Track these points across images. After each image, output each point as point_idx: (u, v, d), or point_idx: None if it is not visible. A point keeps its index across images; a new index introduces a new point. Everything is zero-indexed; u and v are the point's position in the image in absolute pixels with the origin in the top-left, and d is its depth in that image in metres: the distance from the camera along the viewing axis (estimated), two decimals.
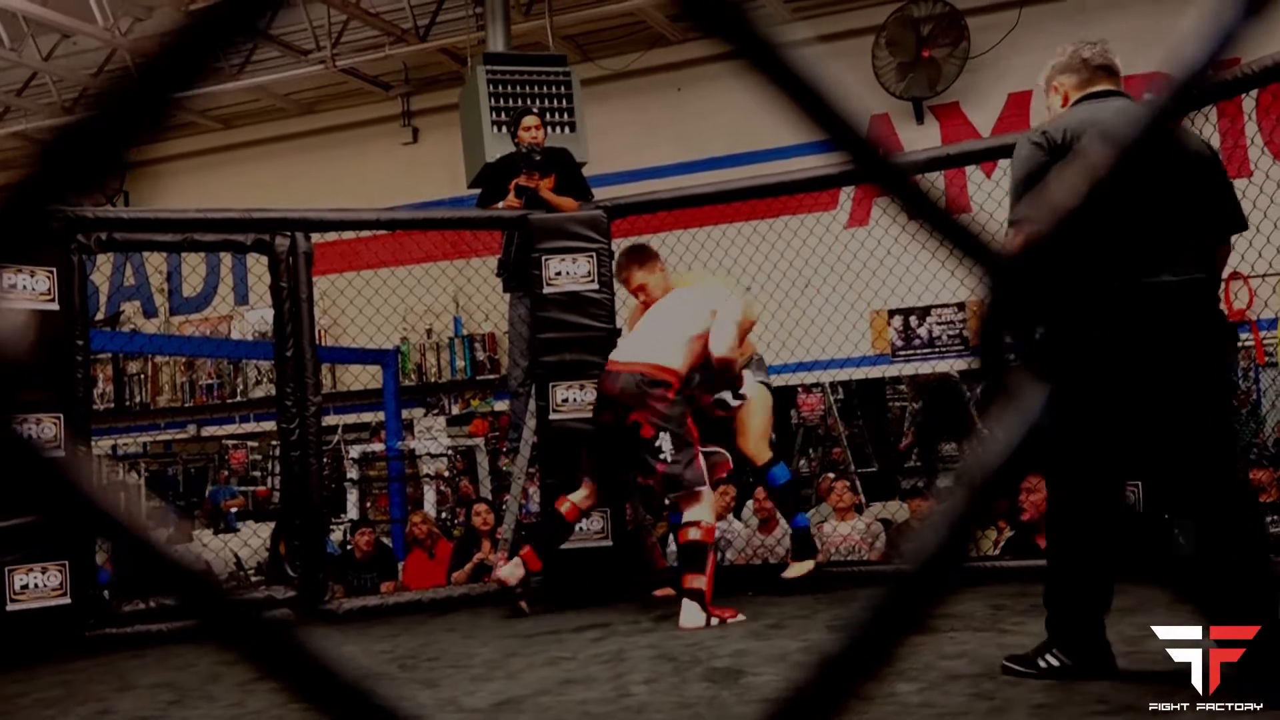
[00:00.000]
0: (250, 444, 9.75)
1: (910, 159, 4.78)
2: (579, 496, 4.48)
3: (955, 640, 3.33)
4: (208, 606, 0.54)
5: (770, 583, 4.85)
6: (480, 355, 8.98)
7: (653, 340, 4.34)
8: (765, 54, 0.57)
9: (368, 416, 8.85)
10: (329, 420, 7.70)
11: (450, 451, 7.90)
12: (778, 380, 6.97)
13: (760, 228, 6.56)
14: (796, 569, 4.77)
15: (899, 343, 7.89)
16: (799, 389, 8.22)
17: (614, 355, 4.47)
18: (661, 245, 5.95)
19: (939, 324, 7.81)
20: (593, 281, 5.23)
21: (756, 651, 3.46)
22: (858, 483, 7.05)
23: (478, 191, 6.24)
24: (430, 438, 8.13)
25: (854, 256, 6.30)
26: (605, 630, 4.08)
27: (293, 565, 4.96)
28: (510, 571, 4.48)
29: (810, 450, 8.52)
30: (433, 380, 9.06)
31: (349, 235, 6.51)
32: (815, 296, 6.57)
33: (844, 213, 7.57)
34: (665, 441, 4.13)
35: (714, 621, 4.00)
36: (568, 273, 5.23)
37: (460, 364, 9.03)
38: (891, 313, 7.71)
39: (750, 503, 6.32)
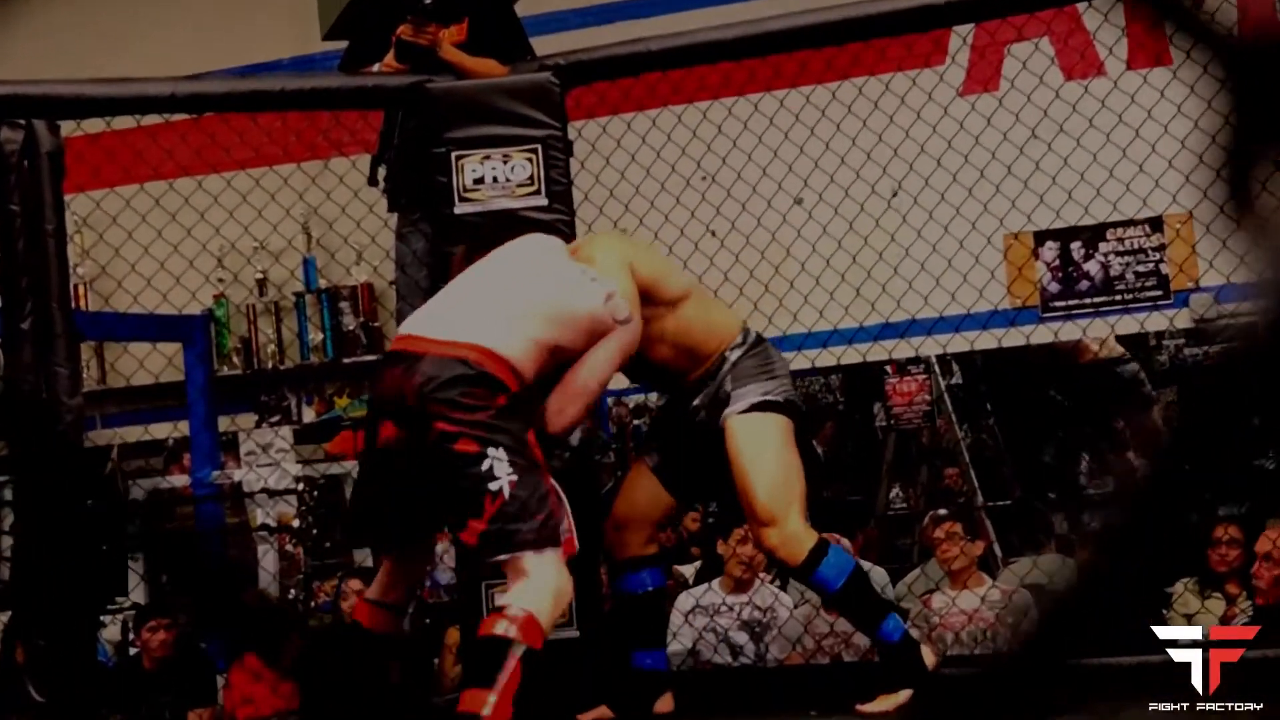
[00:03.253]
0: None
1: None
2: (375, 589, 4.57)
3: None
4: None
5: (845, 697, 4.86)
6: (349, 322, 8.84)
7: (484, 309, 4.36)
8: None
9: (161, 429, 8.74)
10: (96, 436, 7.57)
11: (300, 486, 7.85)
12: (850, 355, 6.92)
13: (817, 98, 6.49)
14: (884, 702, 4.77)
15: (1053, 287, 7.79)
16: (886, 370, 8.12)
17: (409, 326, 4.46)
18: (653, 132, 6.05)
19: (1120, 254, 7.67)
20: (538, 192, 5.21)
21: None
22: (988, 524, 6.97)
23: (340, 47, 6.21)
24: (268, 462, 8.08)
25: (975, 143, 6.21)
26: None
27: (37, 682, 4.93)
28: None
29: (906, 472, 8.51)
30: (270, 366, 8.96)
31: (124, 124, 6.42)
32: (912, 212, 6.53)
33: (958, 70, 7.40)
34: (499, 463, 4.10)
35: None
36: (495, 179, 5.22)
37: (316, 337, 8.91)
38: (1040, 236, 7.60)
39: None
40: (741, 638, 6.09)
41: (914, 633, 5.65)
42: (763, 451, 4.74)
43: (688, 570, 7.40)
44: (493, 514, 4.08)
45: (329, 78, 5.93)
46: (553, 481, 4.25)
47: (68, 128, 5.20)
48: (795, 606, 6.33)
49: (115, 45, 8.94)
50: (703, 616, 6.37)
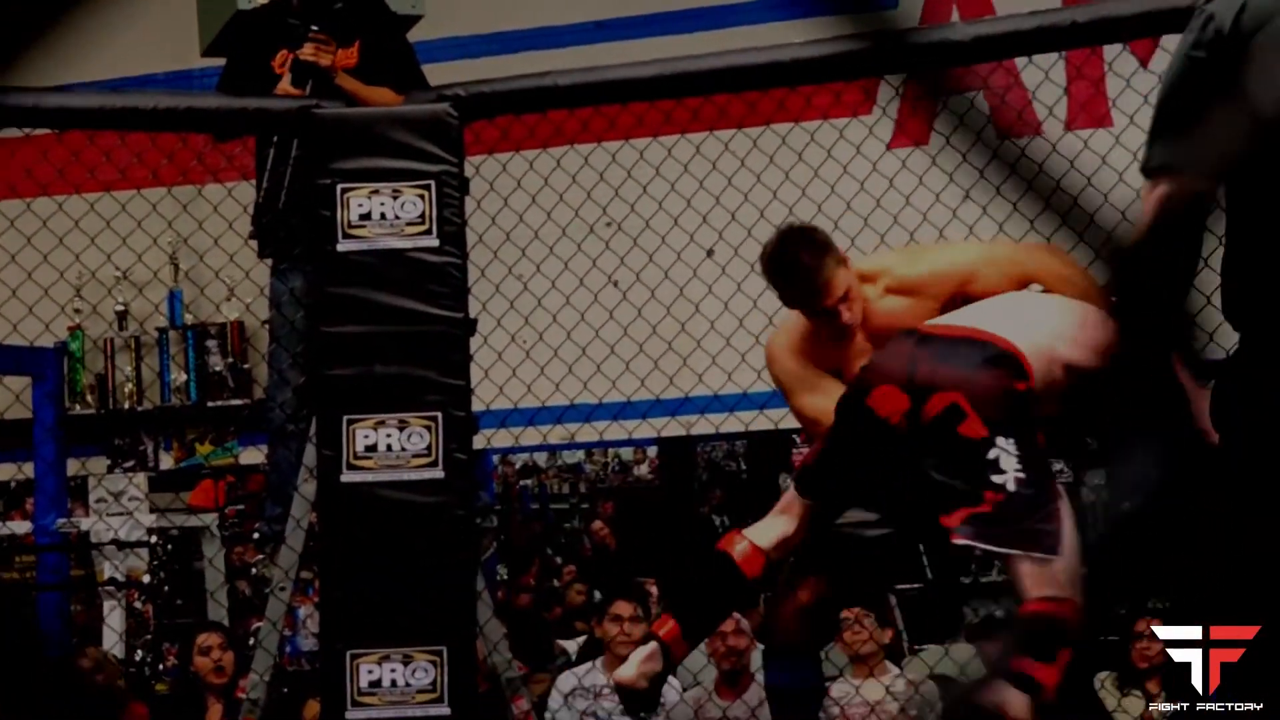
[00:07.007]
0: None
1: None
2: (772, 530, 4.57)
3: None
4: None
5: None
6: (216, 362, 8.85)
7: (998, 314, 4.48)
8: None
9: (4, 470, 8.71)
10: None
11: (154, 538, 7.75)
12: (766, 419, 6.90)
13: (736, 144, 6.51)
14: None
15: None
16: (795, 438, 8.22)
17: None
18: (556, 174, 6.13)
19: None
20: (429, 232, 5.18)
21: None
22: (896, 611, 6.97)
23: (220, 64, 6.30)
24: (119, 511, 7.98)
25: (905, 202, 6.23)
26: None
27: None
28: (631, 671, 4.62)
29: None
30: (126, 407, 8.90)
31: None
32: None
33: (885, 123, 7.43)
34: (1007, 453, 4.13)
35: None
36: (383, 215, 5.21)
37: (179, 377, 8.89)
38: None
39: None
40: None
41: None
42: None
43: (570, 646, 7.34)
44: (998, 501, 4.11)
45: (208, 98, 6.10)
46: (1062, 491, 4.24)
47: None
48: (685, 690, 6.30)
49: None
50: (584, 699, 6.36)
